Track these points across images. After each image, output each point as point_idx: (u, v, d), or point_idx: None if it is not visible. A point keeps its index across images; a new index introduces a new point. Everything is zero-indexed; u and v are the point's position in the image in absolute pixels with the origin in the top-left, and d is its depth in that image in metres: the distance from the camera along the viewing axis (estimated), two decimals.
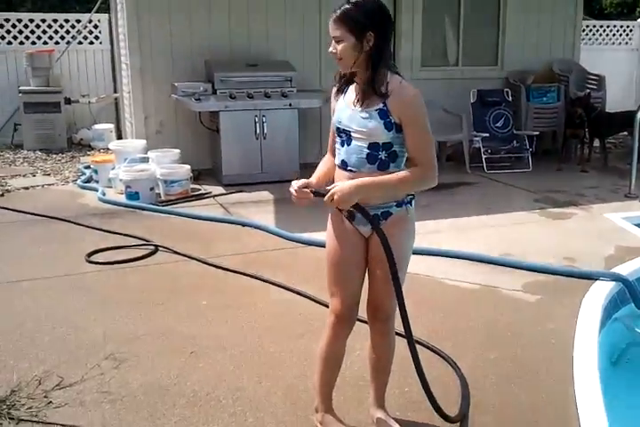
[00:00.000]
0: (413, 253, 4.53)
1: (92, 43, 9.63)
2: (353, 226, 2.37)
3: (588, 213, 5.74)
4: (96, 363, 3.00)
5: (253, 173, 6.71)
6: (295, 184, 2.29)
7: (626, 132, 8.77)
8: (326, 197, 2.22)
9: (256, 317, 3.54)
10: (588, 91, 8.14)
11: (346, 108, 2.30)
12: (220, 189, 6.51)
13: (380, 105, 2.23)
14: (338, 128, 2.33)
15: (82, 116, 9.41)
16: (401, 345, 3.00)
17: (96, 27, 9.59)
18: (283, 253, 4.63)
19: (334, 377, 2.50)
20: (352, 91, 2.31)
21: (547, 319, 3.52)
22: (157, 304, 3.71)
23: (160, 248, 4.68)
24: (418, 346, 3.10)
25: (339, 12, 2.20)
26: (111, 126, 8.88)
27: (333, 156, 2.43)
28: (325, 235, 2.43)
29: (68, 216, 5.49)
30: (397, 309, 2.35)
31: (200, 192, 6.40)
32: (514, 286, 4.00)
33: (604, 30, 11.73)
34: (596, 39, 11.65)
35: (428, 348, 3.15)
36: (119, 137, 8.78)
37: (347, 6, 2.20)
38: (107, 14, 9.34)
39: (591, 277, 4.09)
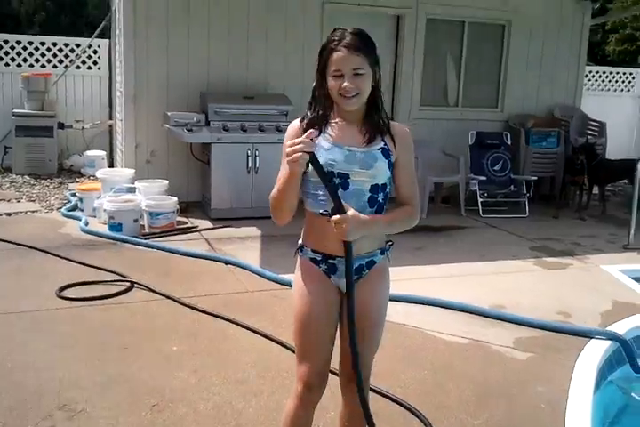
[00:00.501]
0: (402, 301, 4.44)
1: (90, 68, 9.56)
2: (330, 281, 2.17)
3: (585, 265, 5.55)
4: (48, 413, 2.77)
5: (243, 207, 6.54)
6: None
7: (625, 180, 8.68)
8: (337, 218, 1.96)
9: (228, 367, 3.30)
10: (590, 137, 8.07)
11: (337, 150, 2.08)
12: (206, 223, 6.33)
13: (382, 144, 2.11)
14: (330, 172, 2.06)
15: (74, 141, 9.29)
16: (377, 404, 2.80)
17: (95, 52, 9.54)
18: (265, 295, 4.42)
19: None
20: (337, 130, 2.10)
21: (537, 381, 3.29)
22: (124, 348, 3.48)
23: (136, 285, 4.47)
24: (396, 404, 2.91)
25: (358, 40, 2.02)
26: (103, 153, 8.74)
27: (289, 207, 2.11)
28: (294, 290, 2.21)
29: (46, 246, 5.28)
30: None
31: (186, 226, 6.22)
32: (504, 341, 3.78)
33: (607, 77, 11.73)
34: (598, 85, 11.64)
35: (407, 409, 2.92)
36: (111, 165, 8.63)
37: (363, 33, 2.05)
38: (107, 40, 9.29)
39: (586, 335, 3.88)
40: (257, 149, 6.57)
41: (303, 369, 2.14)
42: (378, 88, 2.08)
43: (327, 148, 2.09)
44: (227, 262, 5.07)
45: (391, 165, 2.11)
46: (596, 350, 3.63)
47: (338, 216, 1.97)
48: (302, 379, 2.13)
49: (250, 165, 6.57)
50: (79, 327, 3.76)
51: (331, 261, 2.15)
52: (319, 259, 2.16)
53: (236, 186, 6.57)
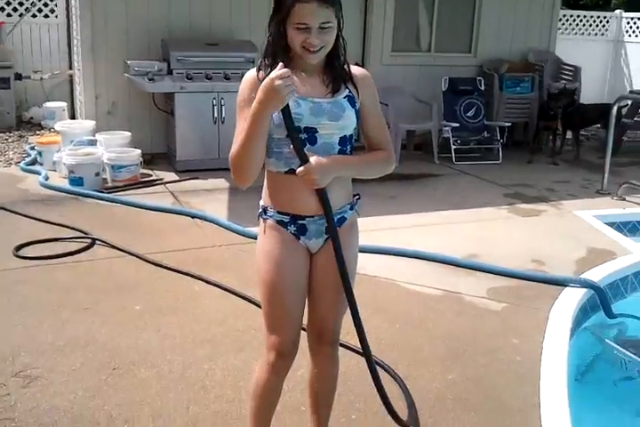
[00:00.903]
0: (374, 253, 4.33)
1: (47, 16, 9.01)
2: (299, 243, 2.01)
3: (559, 211, 5.48)
4: (2, 381, 2.63)
5: (209, 159, 6.30)
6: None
7: (599, 125, 8.58)
8: (301, 170, 1.87)
9: (193, 325, 3.18)
10: (565, 82, 7.91)
11: (301, 102, 1.89)
12: (172, 176, 6.11)
13: (347, 91, 1.96)
14: (296, 127, 1.88)
15: (34, 93, 8.84)
16: (349, 362, 2.71)
17: None
18: (233, 249, 4.27)
19: (271, 414, 2.15)
20: (298, 83, 1.87)
21: (512, 332, 3.22)
22: (84, 308, 3.33)
23: (97, 242, 4.29)
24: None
25: None
26: (64, 105, 8.34)
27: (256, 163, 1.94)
28: (259, 255, 2.03)
29: (2, 203, 5.04)
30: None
31: (151, 178, 6.00)
32: (478, 291, 3.70)
33: (581, 20, 11.47)
34: (572, 29, 11.39)
35: (379, 365, 2.83)
36: (73, 116, 8.27)
37: None
38: None
39: (560, 283, 3.82)
40: (222, 99, 6.31)
41: (274, 339, 2.00)
42: (340, 36, 1.91)
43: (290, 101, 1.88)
44: (193, 216, 4.89)
45: (357, 113, 1.98)
46: (571, 299, 3.57)
47: (301, 168, 1.86)
48: (274, 348, 2.00)
49: (216, 114, 6.32)
50: (37, 288, 3.59)
51: (300, 221, 1.99)
52: (287, 220, 1.99)
53: (202, 137, 6.32)
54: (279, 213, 2.00)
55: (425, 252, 4.24)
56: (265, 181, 2.03)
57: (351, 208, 2.05)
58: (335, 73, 1.94)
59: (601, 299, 3.79)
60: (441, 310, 3.46)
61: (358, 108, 1.97)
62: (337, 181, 1.95)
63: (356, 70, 2.00)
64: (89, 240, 4.30)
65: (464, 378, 2.80)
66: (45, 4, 8.98)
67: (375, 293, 3.64)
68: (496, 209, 5.45)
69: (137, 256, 4.05)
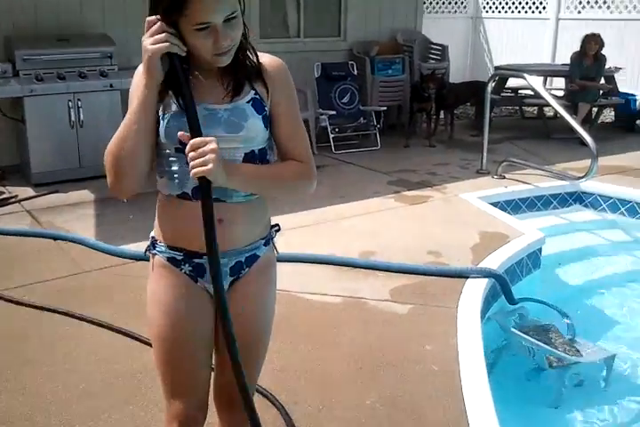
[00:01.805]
0: None
1: None
2: (197, 286, 1.63)
3: (444, 195, 5.40)
4: None
5: (69, 168, 5.70)
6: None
7: (468, 103, 8.69)
8: (196, 141, 1.41)
9: (66, 377, 2.72)
10: (433, 62, 7.90)
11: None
12: (28, 191, 5.46)
13: (252, 93, 1.54)
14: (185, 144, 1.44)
15: None
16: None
17: None
18: (106, 274, 3.79)
19: None
20: (195, 84, 1.49)
21: (423, 337, 3.02)
22: None
23: None
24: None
25: None
26: None
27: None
28: (149, 300, 1.65)
29: None
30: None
31: (3, 196, 5.32)
32: (381, 294, 3.48)
33: None
34: (433, 8, 11.52)
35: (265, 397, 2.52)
36: None
37: None
38: None
39: (461, 275, 3.68)
40: (79, 100, 5.71)
41: (176, 407, 1.62)
42: (243, 23, 1.51)
43: (178, 112, 1.49)
44: (55, 238, 4.34)
45: (267, 120, 1.56)
46: (475, 292, 3.43)
47: (198, 139, 1.40)
48: (176, 418, 1.62)
49: (73, 118, 5.70)
50: None
51: (196, 260, 1.60)
52: (180, 258, 1.60)
53: (59, 144, 5.70)
54: (170, 248, 1.60)
55: (319, 255, 3.97)
56: (157, 206, 1.64)
57: (266, 243, 1.66)
58: (236, 68, 1.52)
59: (502, 286, 3.70)
60: (346, 320, 3.20)
61: (268, 112, 1.56)
62: (247, 211, 1.58)
63: (267, 62, 1.57)
64: None
65: (382, 401, 2.55)
66: None
67: None
68: (383, 199, 5.28)
69: None
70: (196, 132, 1.42)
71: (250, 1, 7.04)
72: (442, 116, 7.95)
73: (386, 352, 2.90)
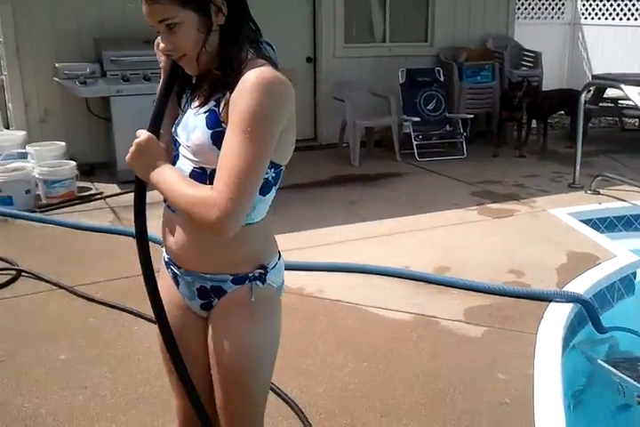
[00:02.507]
0: (334, 271, 3.90)
1: None
2: (178, 293, 1.58)
3: (532, 209, 5.12)
4: None
5: None
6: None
7: (562, 112, 8.29)
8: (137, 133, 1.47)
9: (127, 378, 2.71)
10: (525, 69, 7.59)
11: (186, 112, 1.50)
12: (114, 188, 5.58)
13: (211, 104, 1.42)
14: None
15: None
16: None
17: None
18: None
19: None
20: (197, 90, 1.50)
21: (497, 365, 2.82)
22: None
23: (23, 273, 3.78)
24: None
25: None
26: None
27: None
28: None
29: None
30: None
31: (89, 193, 5.47)
32: (454, 313, 3.30)
33: (536, 4, 11.18)
34: (528, 13, 11.10)
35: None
36: (7, 126, 7.65)
37: None
38: None
39: (544, 298, 3.44)
40: None
41: (177, 405, 1.68)
42: (225, 27, 1.39)
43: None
44: (133, 236, 4.37)
45: (220, 137, 1.37)
46: (558, 319, 3.19)
47: (138, 131, 1.46)
48: (179, 417, 1.69)
49: None
50: None
51: (173, 267, 1.56)
52: (167, 259, 1.59)
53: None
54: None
55: (390, 267, 3.82)
56: None
57: (238, 281, 1.47)
58: (212, 76, 1.42)
59: (589, 313, 3.43)
60: (414, 340, 3.04)
61: (223, 129, 1.37)
62: (199, 234, 1.42)
63: (245, 76, 1.35)
64: (13, 272, 3.79)
65: None
66: None
67: (336, 321, 3.21)
68: (465, 211, 5.06)
69: (67, 289, 3.56)
70: (150, 126, 1.46)
71: (334, 6, 7.03)
72: (534, 125, 7.60)
73: (455, 379, 2.71)
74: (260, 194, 1.42)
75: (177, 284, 1.57)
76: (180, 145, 1.48)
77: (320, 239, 4.32)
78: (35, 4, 5.89)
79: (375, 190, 5.67)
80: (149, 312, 3.10)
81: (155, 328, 2.98)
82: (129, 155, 1.45)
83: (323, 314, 3.25)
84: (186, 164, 1.45)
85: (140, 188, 1.48)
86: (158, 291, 1.50)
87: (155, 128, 1.45)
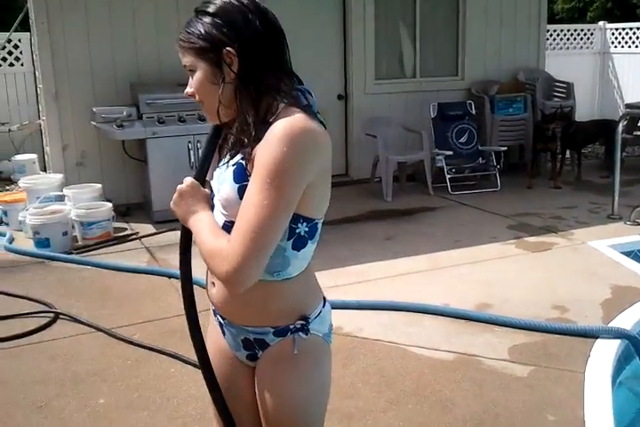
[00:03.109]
0: (373, 309, 3.84)
1: (12, 65, 8.66)
2: (224, 341, 1.56)
3: (571, 242, 5.02)
4: None
5: None
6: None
7: (597, 142, 8.19)
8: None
9: (166, 422, 2.67)
10: (558, 100, 7.54)
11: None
12: (149, 228, 5.63)
13: (238, 157, 1.38)
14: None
15: (3, 146, 8.43)
16: None
17: (16, 47, 8.64)
18: None
19: None
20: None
21: (546, 406, 2.72)
22: (38, 407, 2.81)
23: (61, 316, 3.80)
24: None
25: (185, 27, 1.41)
26: (34, 157, 7.90)
27: None
28: None
29: None
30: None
31: (125, 233, 5.52)
32: (498, 352, 3.21)
33: (565, 35, 11.19)
34: (557, 44, 11.10)
35: None
36: (45, 169, 7.83)
37: (197, 12, 1.40)
38: (29, 33, 8.40)
39: (590, 334, 3.33)
40: (198, 141, 5.87)
41: None
42: (240, 81, 1.36)
43: None
44: (169, 276, 4.41)
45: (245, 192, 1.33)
46: (606, 356, 3.08)
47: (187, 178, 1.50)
48: None
49: (192, 159, 5.87)
50: None
51: (218, 317, 1.55)
52: (213, 308, 1.56)
53: (179, 184, 5.87)
54: None
55: (430, 305, 3.75)
56: None
57: (279, 334, 1.44)
58: (236, 129, 1.38)
59: (637, 348, 3.31)
60: (458, 380, 2.96)
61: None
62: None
63: (275, 125, 1.31)
64: (51, 315, 3.81)
65: None
66: (9, 53, 8.62)
67: (378, 362, 3.14)
68: (502, 245, 4.98)
69: (104, 332, 3.56)
70: (196, 174, 1.50)
71: (365, 43, 7.11)
72: (567, 155, 7.52)
73: (501, 421, 2.62)
74: (294, 249, 1.39)
75: (223, 333, 1.55)
76: (214, 196, 1.46)
77: (355, 276, 4.27)
78: (72, 50, 6.07)
79: (410, 225, 5.62)
80: (188, 354, 3.16)
81: (193, 371, 2.98)
82: (172, 200, 1.47)
83: (362, 354, 3.18)
84: (219, 216, 1.43)
85: (187, 232, 1.49)
86: (202, 337, 1.51)
87: (200, 176, 1.47)
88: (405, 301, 3.80)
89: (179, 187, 1.46)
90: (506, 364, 3.09)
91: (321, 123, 1.36)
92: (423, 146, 6.73)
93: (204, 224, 1.39)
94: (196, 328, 1.51)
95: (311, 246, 1.43)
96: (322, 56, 7.12)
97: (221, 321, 1.53)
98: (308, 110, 1.36)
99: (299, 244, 1.39)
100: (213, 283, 1.49)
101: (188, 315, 1.51)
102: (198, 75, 1.39)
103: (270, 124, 1.32)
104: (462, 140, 7.11)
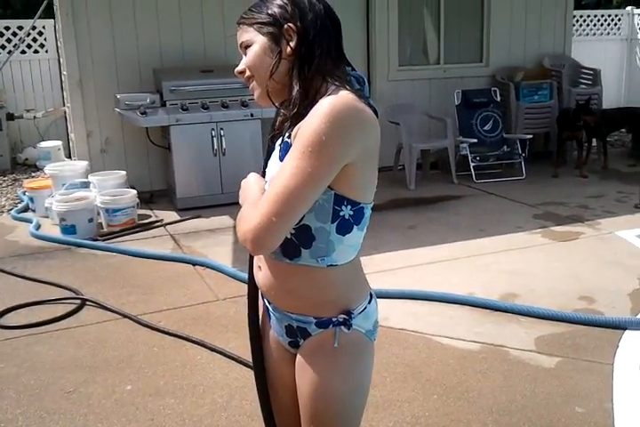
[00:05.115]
0: (397, 298, 3.83)
1: (36, 51, 8.70)
2: (269, 326, 1.58)
3: (598, 232, 4.95)
4: None
5: (212, 194, 5.86)
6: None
7: (623, 129, 8.07)
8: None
9: (194, 410, 2.69)
10: (584, 87, 7.43)
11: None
12: (173, 215, 5.66)
13: (286, 135, 1.38)
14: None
15: (28, 133, 8.50)
16: None
17: (41, 34, 8.67)
18: (240, 303, 3.78)
19: None
20: None
21: (574, 397, 2.70)
22: (66, 393, 2.85)
23: (88, 302, 3.83)
24: None
25: (248, 8, 1.45)
26: (59, 144, 7.97)
27: None
28: None
29: None
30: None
31: (149, 220, 5.55)
32: (525, 343, 3.18)
33: (592, 20, 10.99)
34: (583, 30, 10.90)
35: None
36: (70, 155, 7.89)
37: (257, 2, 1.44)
38: (52, 20, 8.43)
39: (618, 325, 3.29)
40: (222, 129, 5.87)
41: None
42: (296, 59, 1.36)
43: None
44: (194, 263, 4.43)
45: None
46: (634, 346, 3.05)
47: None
48: None
49: (216, 146, 5.88)
50: (14, 367, 3.11)
51: (265, 301, 1.56)
52: (261, 292, 1.56)
53: (203, 171, 5.89)
54: None
55: (455, 294, 3.73)
56: None
57: (321, 325, 1.42)
58: (287, 106, 1.38)
59: None
60: (484, 371, 2.94)
61: None
62: (282, 272, 1.41)
63: (320, 101, 1.31)
64: (78, 301, 3.85)
65: None
66: (34, 39, 8.66)
67: (403, 351, 3.13)
68: (528, 234, 4.93)
69: (131, 318, 3.59)
70: (263, 167, 1.49)
71: (388, 29, 7.04)
72: (594, 143, 7.40)
73: (528, 413, 2.60)
74: (339, 233, 1.37)
75: (269, 317, 1.55)
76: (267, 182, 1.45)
77: (380, 265, 4.26)
78: (96, 38, 6.08)
79: (434, 214, 5.59)
80: (213, 341, 3.17)
81: (219, 358, 3.00)
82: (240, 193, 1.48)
83: (388, 343, 3.18)
84: None
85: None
86: (259, 323, 1.58)
87: (264, 168, 1.48)
88: (429, 289, 3.78)
89: (242, 181, 1.47)
90: (532, 355, 3.07)
91: (371, 107, 1.34)
92: (447, 133, 6.67)
93: (249, 197, 1.39)
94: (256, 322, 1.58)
95: (358, 233, 1.40)
96: (345, 42, 7.04)
97: (267, 305, 1.53)
98: (359, 93, 1.35)
99: (343, 228, 1.37)
100: (260, 267, 1.49)
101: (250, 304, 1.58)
102: (255, 47, 1.39)
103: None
104: (487, 127, 7.03)
